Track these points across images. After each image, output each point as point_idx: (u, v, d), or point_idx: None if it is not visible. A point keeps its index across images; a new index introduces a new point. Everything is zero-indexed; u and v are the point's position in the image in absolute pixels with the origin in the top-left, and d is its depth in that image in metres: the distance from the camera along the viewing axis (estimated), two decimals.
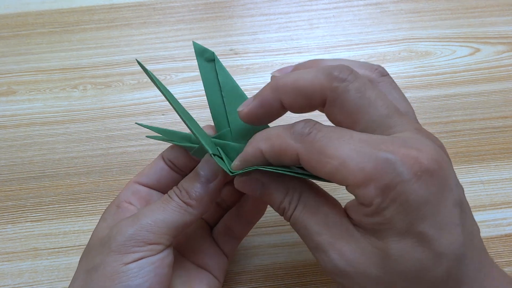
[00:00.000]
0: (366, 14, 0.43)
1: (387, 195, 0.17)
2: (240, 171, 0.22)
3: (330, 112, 0.21)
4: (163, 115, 0.38)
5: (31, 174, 0.35)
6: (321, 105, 0.21)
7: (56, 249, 0.32)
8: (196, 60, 0.25)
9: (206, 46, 0.24)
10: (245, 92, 0.24)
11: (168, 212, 0.22)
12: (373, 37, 0.41)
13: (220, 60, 0.24)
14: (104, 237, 0.22)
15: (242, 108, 0.22)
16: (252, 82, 0.39)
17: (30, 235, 0.33)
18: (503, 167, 0.35)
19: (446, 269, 0.18)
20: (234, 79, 0.25)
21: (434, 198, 0.18)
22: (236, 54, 0.40)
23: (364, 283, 0.19)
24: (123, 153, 0.36)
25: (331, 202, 0.21)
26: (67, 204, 0.34)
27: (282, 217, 0.22)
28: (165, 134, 0.27)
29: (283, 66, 0.26)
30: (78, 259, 0.23)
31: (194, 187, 0.23)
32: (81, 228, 0.33)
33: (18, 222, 0.34)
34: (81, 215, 0.34)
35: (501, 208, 0.33)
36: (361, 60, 0.40)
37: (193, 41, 0.25)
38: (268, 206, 0.27)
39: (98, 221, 0.25)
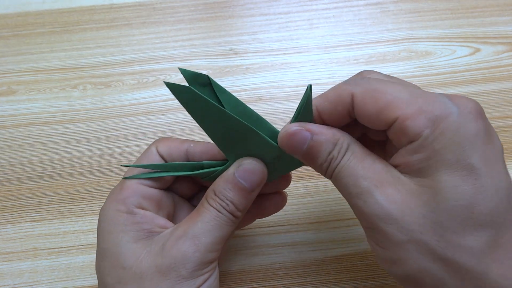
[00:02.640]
0: (366, 14, 0.43)
1: (437, 126, 0.18)
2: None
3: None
4: (162, 115, 0.38)
5: (31, 174, 0.35)
6: None
7: (56, 249, 0.32)
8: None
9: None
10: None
11: (223, 228, 0.23)
12: (373, 37, 0.41)
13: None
14: (163, 265, 0.22)
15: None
16: (252, 82, 0.38)
17: (30, 235, 0.33)
18: None
19: (495, 206, 0.18)
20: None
21: (482, 134, 0.18)
22: (236, 54, 0.40)
23: (409, 225, 0.19)
24: (123, 153, 0.36)
25: (375, 153, 0.21)
26: (67, 204, 0.34)
27: (323, 174, 0.22)
28: (171, 169, 0.25)
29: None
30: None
31: (241, 198, 0.23)
32: (80, 228, 0.33)
33: (18, 222, 0.33)
34: (81, 215, 0.34)
35: None
36: (361, 60, 0.40)
37: (179, 68, 0.22)
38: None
39: (98, 225, 0.24)
